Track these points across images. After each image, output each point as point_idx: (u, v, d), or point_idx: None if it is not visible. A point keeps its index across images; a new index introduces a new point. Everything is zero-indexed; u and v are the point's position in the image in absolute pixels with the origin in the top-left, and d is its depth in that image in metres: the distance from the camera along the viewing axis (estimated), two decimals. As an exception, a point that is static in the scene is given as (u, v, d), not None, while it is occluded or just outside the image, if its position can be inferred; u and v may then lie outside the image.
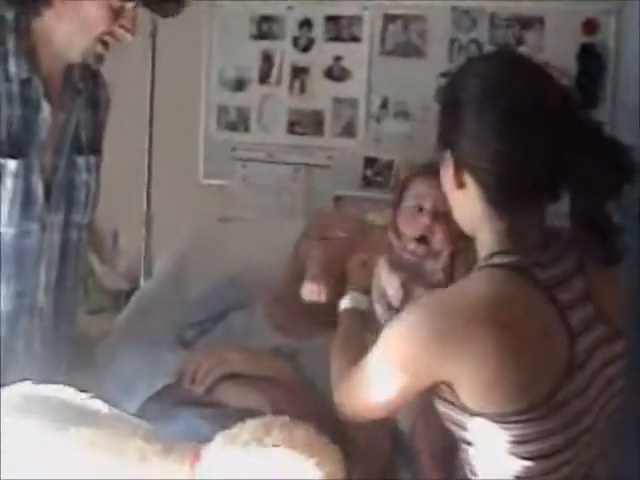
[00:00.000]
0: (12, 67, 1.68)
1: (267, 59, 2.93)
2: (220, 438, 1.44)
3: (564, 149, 1.37)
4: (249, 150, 2.96)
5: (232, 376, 1.83)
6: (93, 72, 1.87)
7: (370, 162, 2.84)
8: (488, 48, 2.67)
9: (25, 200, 1.72)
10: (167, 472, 1.40)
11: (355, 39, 2.83)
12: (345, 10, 2.84)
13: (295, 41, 2.90)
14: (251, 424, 1.45)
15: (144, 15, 2.75)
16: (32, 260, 1.77)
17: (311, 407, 1.67)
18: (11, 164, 1.68)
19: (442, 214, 1.63)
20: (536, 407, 1.31)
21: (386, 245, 1.72)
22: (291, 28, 2.89)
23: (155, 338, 2.09)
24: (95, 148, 1.88)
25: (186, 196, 2.95)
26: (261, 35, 2.93)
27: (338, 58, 2.86)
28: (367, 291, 1.73)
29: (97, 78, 1.90)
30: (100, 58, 1.74)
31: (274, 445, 1.37)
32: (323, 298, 1.77)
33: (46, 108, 1.72)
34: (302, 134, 2.92)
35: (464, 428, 1.39)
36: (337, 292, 1.92)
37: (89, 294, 3.02)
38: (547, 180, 1.39)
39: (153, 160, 2.85)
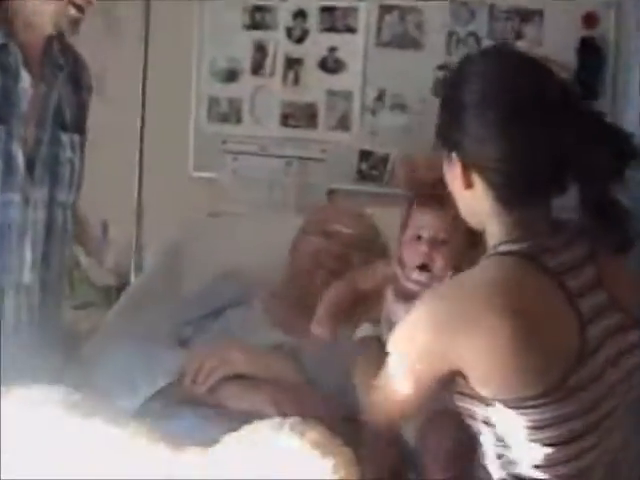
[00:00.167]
0: None
1: (260, 50, 2.87)
2: (229, 439, 1.40)
3: (568, 141, 1.38)
4: (240, 143, 2.91)
5: (235, 377, 1.77)
6: (74, 52, 1.90)
7: (365, 155, 2.81)
8: (487, 41, 2.66)
9: (6, 168, 1.74)
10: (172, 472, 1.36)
11: (350, 30, 2.79)
12: (340, 1, 2.79)
13: (289, 32, 2.85)
14: (259, 426, 1.41)
15: (137, 5, 2.73)
16: (16, 234, 1.78)
17: (316, 409, 1.62)
18: None
19: (441, 242, 1.66)
20: (550, 392, 1.32)
21: (389, 277, 1.72)
22: (285, 18, 2.84)
23: (151, 335, 2.03)
24: (79, 128, 1.91)
25: (176, 189, 2.89)
26: (254, 25, 2.87)
27: (333, 49, 2.81)
28: (378, 321, 1.73)
29: (79, 59, 1.93)
30: (75, 23, 1.76)
31: (286, 447, 1.34)
32: (331, 340, 1.75)
33: (26, 77, 1.75)
34: (295, 127, 2.87)
35: (485, 421, 1.40)
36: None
37: (75, 288, 2.95)
38: (554, 173, 1.41)
39: (144, 152, 2.79)
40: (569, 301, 1.36)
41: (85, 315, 2.79)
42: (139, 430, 1.43)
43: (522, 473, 1.40)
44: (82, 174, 1.92)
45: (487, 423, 1.41)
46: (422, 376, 1.41)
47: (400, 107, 2.76)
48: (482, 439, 1.45)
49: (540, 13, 2.60)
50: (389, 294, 1.70)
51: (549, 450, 1.35)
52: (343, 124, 2.82)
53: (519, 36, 2.62)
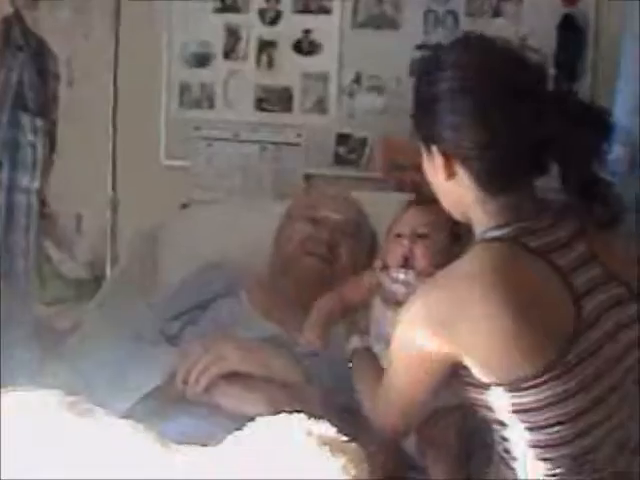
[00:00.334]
0: None
1: (232, 33, 2.79)
2: (232, 438, 1.35)
3: (545, 122, 1.41)
4: (214, 128, 2.82)
5: (229, 375, 1.69)
6: (37, 37, 1.90)
7: (343, 139, 2.75)
8: (465, 20, 2.60)
9: None
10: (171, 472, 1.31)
11: (325, 11, 2.71)
12: (314, -19, 2.72)
13: (262, 13, 2.76)
14: (265, 423, 1.36)
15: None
16: None
17: (315, 408, 1.56)
18: None
19: (421, 236, 1.67)
20: (551, 368, 1.34)
21: (375, 286, 1.72)
22: (257, 0, 2.76)
23: (136, 332, 1.96)
24: (43, 113, 1.89)
25: (147, 178, 2.81)
26: (225, 8, 2.78)
27: (308, 31, 2.74)
28: (366, 332, 1.73)
29: (43, 45, 1.92)
30: None
31: (293, 444, 1.29)
32: (322, 348, 1.73)
33: None
34: (270, 111, 2.79)
35: (495, 409, 1.42)
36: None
37: (46, 283, 2.87)
38: (534, 156, 1.44)
39: (117, 141, 2.71)
40: (561, 277, 1.38)
41: (57, 311, 2.71)
42: (136, 431, 1.38)
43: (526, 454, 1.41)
44: (49, 161, 1.90)
45: (491, 409, 1.43)
46: (427, 372, 1.43)
47: (378, 89, 2.70)
48: (494, 428, 1.47)
49: (519, -10, 2.56)
50: (377, 303, 1.70)
51: (556, 428, 1.38)
52: (319, 107, 2.75)
53: (497, 14, 2.58)
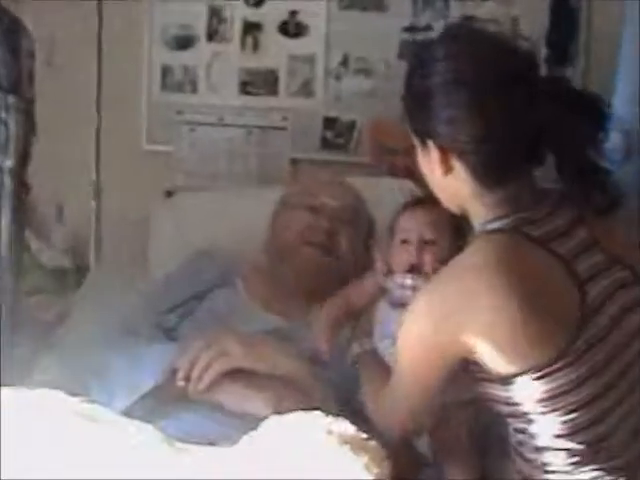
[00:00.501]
0: None
1: (215, 14, 2.72)
2: (248, 439, 1.30)
3: (537, 108, 1.40)
4: (197, 113, 2.75)
5: (232, 373, 1.63)
6: (10, 14, 1.86)
7: (330, 122, 2.70)
8: (454, 2, 2.56)
9: None
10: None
11: (312, -8, 2.66)
12: (300, -39, 2.66)
13: (246, -6, 2.70)
14: (279, 422, 1.32)
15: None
16: None
17: (326, 406, 1.50)
18: None
19: (429, 242, 1.66)
20: (562, 356, 1.35)
21: (379, 291, 1.71)
22: (241, -20, 2.70)
23: (127, 325, 1.88)
24: (16, 90, 1.84)
25: (128, 164, 2.74)
26: (208, -11, 2.72)
27: (294, 12, 2.68)
28: (370, 335, 1.71)
29: (18, 22, 1.88)
30: None
31: (313, 443, 1.25)
32: (326, 358, 1.71)
33: None
34: (255, 94, 2.73)
35: (510, 403, 1.42)
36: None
37: (26, 273, 2.79)
38: (529, 146, 1.43)
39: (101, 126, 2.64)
40: (564, 264, 1.39)
41: (38, 301, 2.64)
42: (140, 430, 1.34)
43: (542, 445, 1.42)
44: (28, 142, 1.85)
45: (508, 403, 1.43)
46: (434, 367, 1.43)
47: (365, 71, 2.66)
48: (509, 422, 1.47)
49: (511, -29, 2.52)
50: (382, 305, 1.69)
51: (572, 416, 1.38)
52: (306, 90, 2.70)
53: (489, -4, 2.55)
